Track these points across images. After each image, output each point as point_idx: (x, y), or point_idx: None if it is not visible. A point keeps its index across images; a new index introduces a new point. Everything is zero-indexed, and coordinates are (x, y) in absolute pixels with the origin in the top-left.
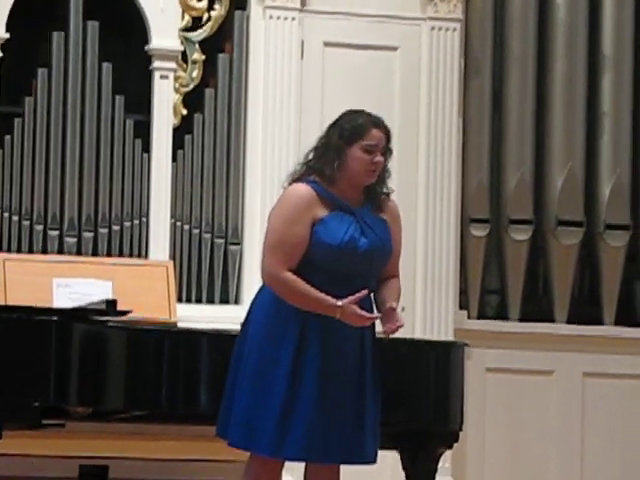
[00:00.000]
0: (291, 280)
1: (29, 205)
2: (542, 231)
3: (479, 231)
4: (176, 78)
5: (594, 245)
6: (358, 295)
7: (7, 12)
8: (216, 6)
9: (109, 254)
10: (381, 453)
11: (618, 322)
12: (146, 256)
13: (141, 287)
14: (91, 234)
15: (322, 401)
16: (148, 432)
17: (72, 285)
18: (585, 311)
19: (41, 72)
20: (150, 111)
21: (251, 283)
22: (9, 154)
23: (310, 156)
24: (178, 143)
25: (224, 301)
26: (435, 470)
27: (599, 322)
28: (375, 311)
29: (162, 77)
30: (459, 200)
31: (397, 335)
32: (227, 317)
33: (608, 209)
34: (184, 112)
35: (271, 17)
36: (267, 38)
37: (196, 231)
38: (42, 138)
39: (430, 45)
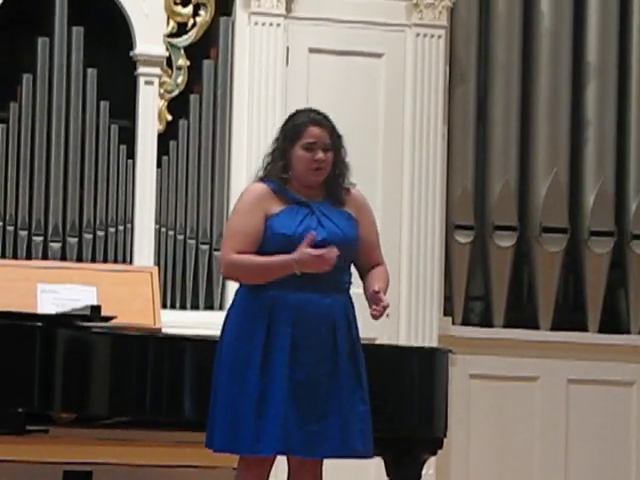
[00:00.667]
0: (237, 258)
1: (13, 211)
2: (526, 238)
3: (464, 238)
4: (161, 84)
5: (578, 252)
6: (307, 239)
7: None
8: (201, 12)
9: (94, 260)
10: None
11: (602, 329)
12: (131, 262)
13: (126, 293)
14: (76, 240)
15: (293, 392)
16: (132, 438)
17: (57, 291)
18: (569, 318)
19: (26, 78)
20: (135, 117)
21: (235, 289)
22: None
23: (265, 160)
24: (163, 149)
25: (209, 307)
26: (419, 477)
27: (583, 329)
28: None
29: (147, 83)
30: (444, 207)
31: (382, 341)
32: (212, 323)
33: (592, 216)
34: (169, 118)
35: (256, 23)
36: (252, 44)
37: (181, 237)
38: (27, 144)
39: (415, 52)
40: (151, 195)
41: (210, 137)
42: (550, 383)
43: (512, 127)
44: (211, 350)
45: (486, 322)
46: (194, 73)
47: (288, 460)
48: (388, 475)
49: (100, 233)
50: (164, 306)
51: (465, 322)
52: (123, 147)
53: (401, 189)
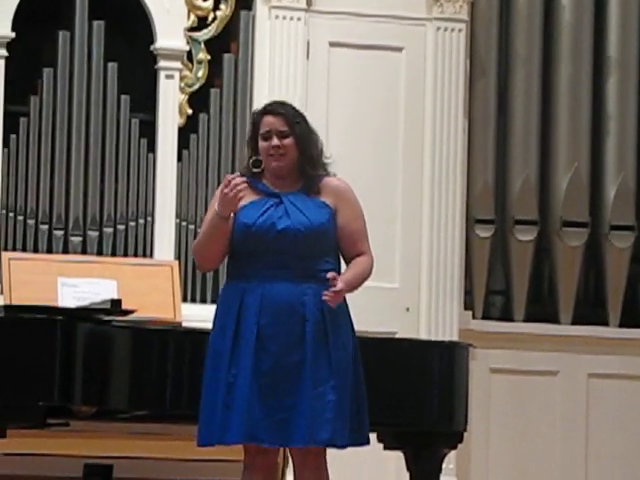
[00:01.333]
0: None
1: (34, 204)
2: (547, 232)
3: (484, 232)
4: (181, 78)
5: (599, 246)
6: (225, 180)
7: (13, 12)
8: (222, 6)
9: (114, 254)
10: (385, 453)
11: (623, 323)
12: (151, 256)
13: (146, 287)
14: (96, 233)
15: (258, 381)
16: (152, 431)
17: (77, 284)
18: (590, 312)
19: (47, 72)
20: (155, 111)
21: None
22: (14, 153)
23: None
24: (183, 143)
25: None
26: (439, 471)
27: (604, 323)
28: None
29: (167, 77)
30: (464, 201)
31: (402, 335)
32: None
33: (613, 210)
34: (189, 112)
35: (277, 17)
36: (273, 38)
37: None
38: (47, 137)
39: (435, 46)
40: (171, 189)
41: (230, 131)
42: (570, 377)
43: (533, 121)
44: None
45: (506, 316)
46: (214, 67)
47: (291, 453)
48: (408, 469)
49: (120, 227)
50: (184, 300)
51: (485, 316)
52: (144, 141)
53: (421, 183)
